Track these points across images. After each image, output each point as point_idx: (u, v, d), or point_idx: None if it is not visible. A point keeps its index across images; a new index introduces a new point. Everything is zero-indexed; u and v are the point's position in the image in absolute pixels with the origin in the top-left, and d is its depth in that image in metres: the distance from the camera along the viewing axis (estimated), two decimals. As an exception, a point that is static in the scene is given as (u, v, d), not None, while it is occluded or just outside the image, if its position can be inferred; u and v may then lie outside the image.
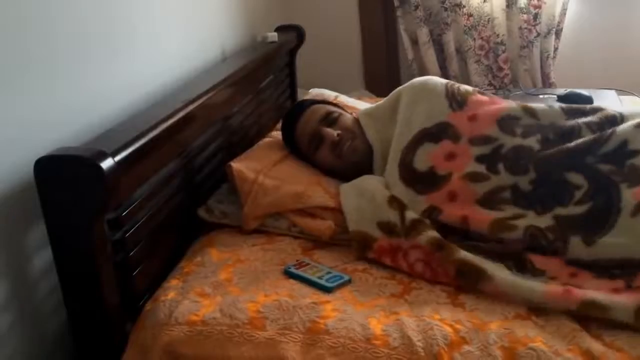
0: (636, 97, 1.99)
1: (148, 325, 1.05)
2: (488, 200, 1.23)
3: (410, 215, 1.23)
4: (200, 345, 1.00)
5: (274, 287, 1.10)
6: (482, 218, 1.21)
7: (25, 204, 1.02)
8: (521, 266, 1.12)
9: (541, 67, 2.29)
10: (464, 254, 1.12)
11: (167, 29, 1.54)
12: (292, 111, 1.58)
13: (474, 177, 1.26)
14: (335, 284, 1.11)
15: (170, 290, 1.12)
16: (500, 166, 1.26)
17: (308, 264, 1.18)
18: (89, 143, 1.05)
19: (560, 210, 1.17)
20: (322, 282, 1.11)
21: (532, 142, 1.28)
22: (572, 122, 1.30)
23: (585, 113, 1.34)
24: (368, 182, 1.35)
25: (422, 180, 1.30)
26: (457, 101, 1.40)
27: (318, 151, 1.47)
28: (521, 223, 1.17)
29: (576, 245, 1.12)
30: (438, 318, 1.00)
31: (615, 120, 1.28)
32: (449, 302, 1.06)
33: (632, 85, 2.08)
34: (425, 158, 1.33)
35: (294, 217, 1.32)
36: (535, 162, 1.24)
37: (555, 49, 2.27)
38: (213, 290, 1.11)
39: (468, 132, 1.34)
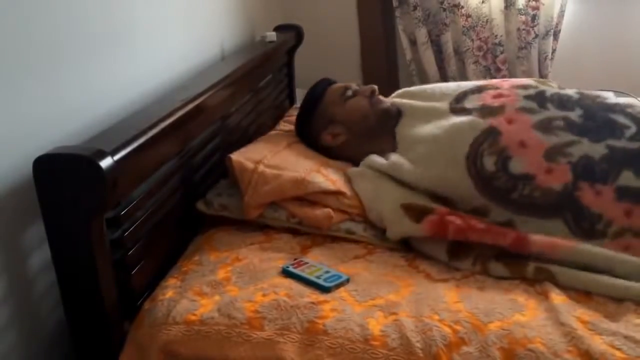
0: (634, 98, 2.00)
1: (146, 325, 1.05)
2: (543, 126, 1.30)
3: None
4: (198, 344, 1.00)
5: (272, 287, 1.10)
6: (539, 142, 1.26)
7: (24, 202, 1.01)
8: (578, 214, 1.18)
9: (539, 68, 2.29)
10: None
11: (167, 28, 1.53)
12: (318, 83, 1.63)
13: (527, 110, 1.35)
14: (333, 283, 1.11)
15: (169, 290, 1.12)
16: (549, 104, 1.35)
17: (306, 263, 1.18)
18: (88, 142, 1.04)
19: (614, 142, 1.24)
20: (320, 281, 1.11)
21: (571, 92, 1.40)
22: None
23: None
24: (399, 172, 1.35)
25: (478, 112, 1.38)
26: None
27: (352, 99, 1.55)
28: (576, 151, 1.23)
29: (627, 177, 1.18)
30: (437, 319, 1.00)
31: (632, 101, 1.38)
32: (448, 302, 1.06)
33: (630, 87, 2.05)
34: (475, 101, 1.43)
35: (293, 208, 1.31)
36: (579, 105, 1.33)
37: (553, 51, 2.27)
38: (211, 289, 1.10)
39: (507, 85, 1.46)
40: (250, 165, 1.35)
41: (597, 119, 1.29)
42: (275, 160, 1.41)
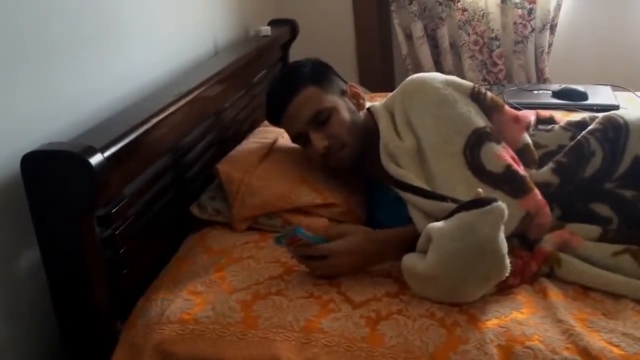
0: (631, 92, 1.99)
1: (139, 324, 1.04)
2: None
3: None
4: (192, 344, 0.99)
5: (268, 286, 1.09)
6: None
7: (12, 200, 1.00)
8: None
9: (536, 62, 2.29)
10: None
11: (159, 22, 1.52)
12: (283, 87, 1.38)
13: None
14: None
15: (162, 289, 1.10)
16: None
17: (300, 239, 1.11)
18: (78, 138, 1.03)
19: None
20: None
21: (548, 175, 1.22)
22: (579, 137, 1.26)
23: (586, 124, 1.30)
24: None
25: (506, 181, 1.17)
26: (485, 109, 1.29)
27: (305, 148, 1.37)
28: None
29: (626, 262, 1.10)
30: (434, 317, 0.99)
31: (619, 125, 1.23)
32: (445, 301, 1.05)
33: (627, 81, 2.07)
34: (494, 158, 1.19)
35: (287, 216, 1.30)
36: (556, 201, 1.21)
37: (550, 45, 2.27)
38: (205, 288, 1.09)
39: None
40: (237, 175, 1.32)
41: (577, 216, 1.20)
42: (261, 167, 1.37)
